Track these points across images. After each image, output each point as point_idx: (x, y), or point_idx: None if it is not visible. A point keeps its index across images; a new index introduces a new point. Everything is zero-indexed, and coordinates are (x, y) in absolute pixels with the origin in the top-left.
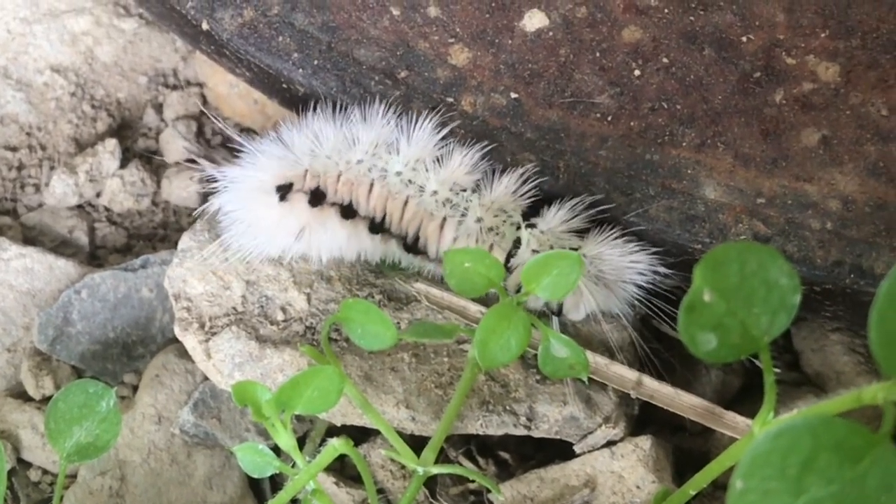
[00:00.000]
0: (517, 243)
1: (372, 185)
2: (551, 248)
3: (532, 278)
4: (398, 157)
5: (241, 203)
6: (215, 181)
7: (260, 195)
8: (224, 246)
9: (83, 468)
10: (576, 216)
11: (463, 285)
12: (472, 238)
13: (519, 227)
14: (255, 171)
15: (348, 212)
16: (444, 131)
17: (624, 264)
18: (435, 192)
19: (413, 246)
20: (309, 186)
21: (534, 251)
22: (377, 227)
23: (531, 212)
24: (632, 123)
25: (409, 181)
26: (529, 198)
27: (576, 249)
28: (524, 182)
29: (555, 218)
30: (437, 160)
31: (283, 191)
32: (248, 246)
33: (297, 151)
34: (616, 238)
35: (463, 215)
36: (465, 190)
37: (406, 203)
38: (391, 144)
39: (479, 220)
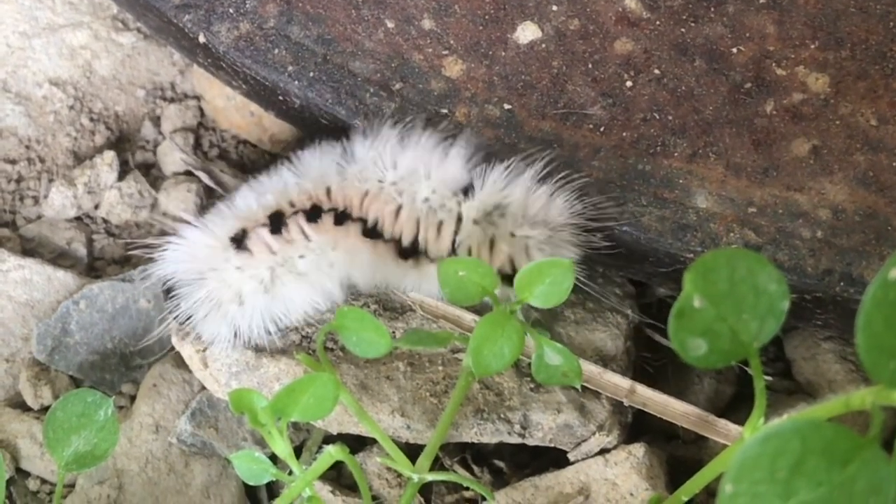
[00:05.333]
0: (460, 218)
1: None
2: (489, 214)
3: (525, 287)
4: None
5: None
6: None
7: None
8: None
9: (81, 477)
10: (511, 177)
11: (457, 294)
12: (421, 217)
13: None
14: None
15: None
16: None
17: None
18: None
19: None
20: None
21: (475, 222)
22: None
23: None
24: (624, 134)
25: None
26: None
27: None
28: (467, 160)
29: (488, 185)
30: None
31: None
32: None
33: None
34: (539, 185)
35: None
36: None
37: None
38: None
39: (426, 199)
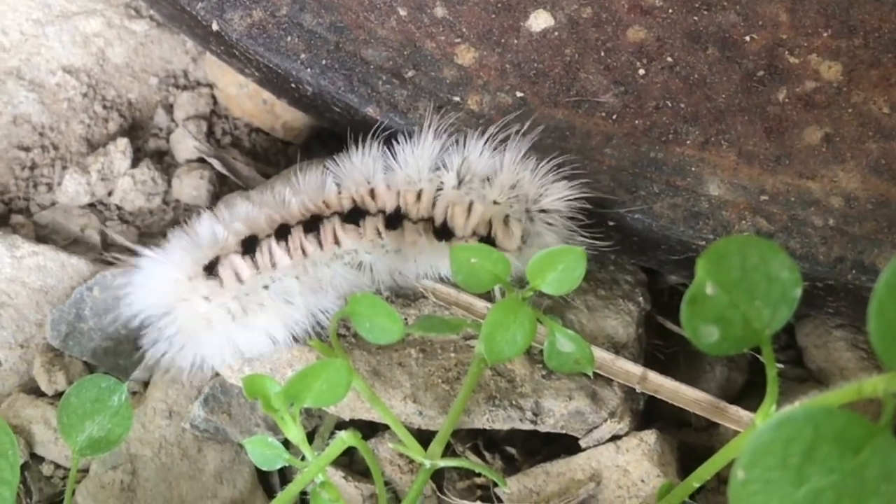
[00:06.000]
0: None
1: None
2: (470, 182)
3: (537, 273)
4: None
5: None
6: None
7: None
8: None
9: (95, 462)
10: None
11: (469, 281)
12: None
13: (438, 168)
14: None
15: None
16: None
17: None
18: None
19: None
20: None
21: (454, 187)
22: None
23: None
24: (636, 122)
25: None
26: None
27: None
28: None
29: (472, 149)
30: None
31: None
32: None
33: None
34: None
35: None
36: None
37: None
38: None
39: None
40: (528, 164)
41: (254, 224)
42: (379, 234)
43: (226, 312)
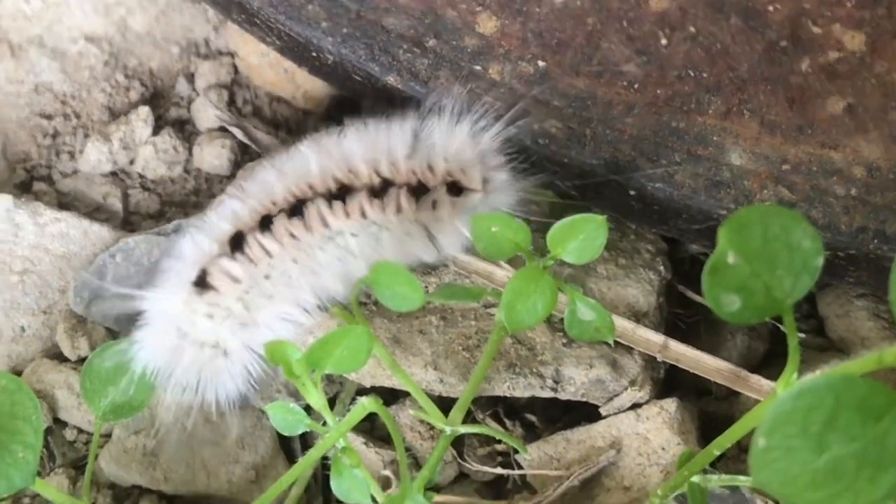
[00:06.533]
0: None
1: None
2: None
3: (558, 242)
4: None
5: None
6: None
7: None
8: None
9: (118, 427)
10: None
11: (490, 249)
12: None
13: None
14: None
15: None
16: None
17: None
18: None
19: None
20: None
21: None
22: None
23: None
24: (658, 91)
25: None
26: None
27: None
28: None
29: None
30: None
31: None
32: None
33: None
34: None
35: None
36: None
37: None
38: None
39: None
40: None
41: (238, 220)
42: (363, 213)
43: (233, 320)
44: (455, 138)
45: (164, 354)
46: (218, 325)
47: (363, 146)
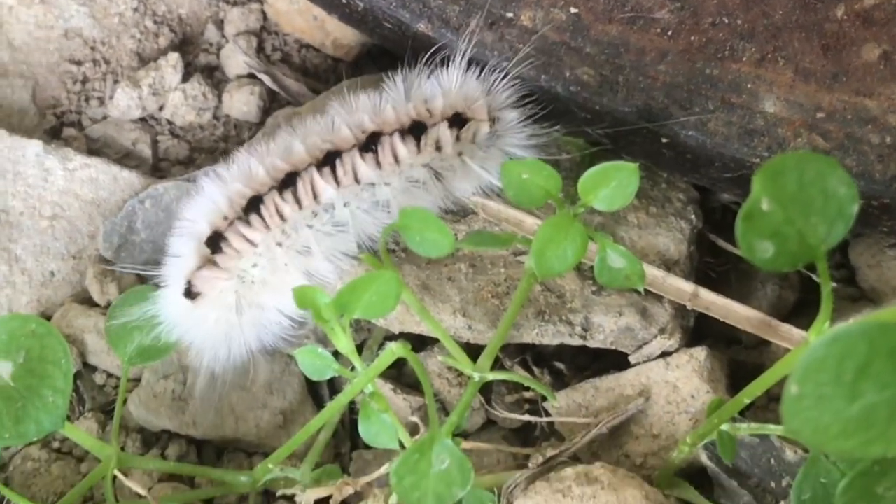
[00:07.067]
0: None
1: None
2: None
3: (590, 189)
4: None
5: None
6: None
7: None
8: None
9: (147, 372)
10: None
11: (521, 196)
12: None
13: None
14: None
15: None
16: None
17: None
18: None
19: None
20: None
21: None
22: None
23: None
24: (692, 38)
25: None
26: None
27: None
28: None
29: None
30: None
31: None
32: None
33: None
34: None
35: None
36: None
37: None
38: None
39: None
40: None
41: (255, 181)
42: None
43: (251, 283)
44: (458, 79)
45: (183, 315)
46: (237, 285)
47: (350, 112)
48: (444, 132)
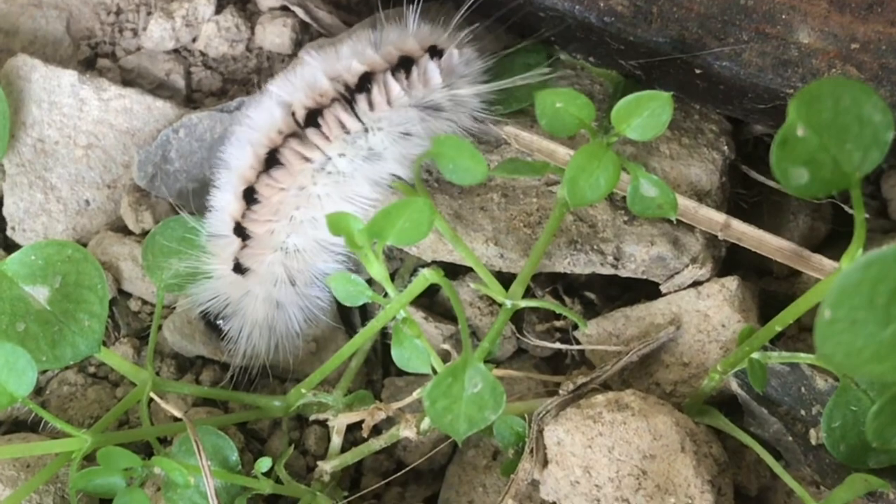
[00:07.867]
0: None
1: None
2: None
3: (623, 119)
4: None
5: None
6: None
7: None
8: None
9: (182, 299)
10: None
11: (554, 125)
12: None
13: None
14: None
15: None
16: None
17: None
18: None
19: None
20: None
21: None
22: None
23: None
24: None
25: None
26: None
27: None
28: None
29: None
30: None
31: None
32: None
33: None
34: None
35: None
36: None
37: None
38: None
39: None
40: None
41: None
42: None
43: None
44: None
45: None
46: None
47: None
48: (429, 64)
